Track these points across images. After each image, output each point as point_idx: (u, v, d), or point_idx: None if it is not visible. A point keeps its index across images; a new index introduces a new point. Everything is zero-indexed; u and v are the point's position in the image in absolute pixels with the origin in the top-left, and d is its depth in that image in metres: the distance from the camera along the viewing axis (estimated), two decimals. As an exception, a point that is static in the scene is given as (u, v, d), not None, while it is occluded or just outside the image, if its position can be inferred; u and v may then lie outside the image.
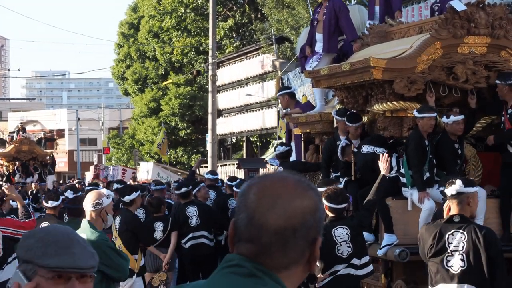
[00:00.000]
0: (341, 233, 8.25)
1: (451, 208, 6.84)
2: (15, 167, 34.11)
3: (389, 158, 8.74)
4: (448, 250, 6.83)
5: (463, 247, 6.79)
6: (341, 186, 10.06)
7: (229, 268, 2.20)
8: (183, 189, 12.51)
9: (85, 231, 7.14)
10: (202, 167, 45.87)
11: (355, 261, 8.28)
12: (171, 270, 12.75)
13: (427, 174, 9.40)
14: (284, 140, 14.94)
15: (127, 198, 11.09)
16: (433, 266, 6.94)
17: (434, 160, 9.52)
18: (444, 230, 6.83)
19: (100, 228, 7.21)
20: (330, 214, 8.34)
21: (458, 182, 6.77)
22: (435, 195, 9.36)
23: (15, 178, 32.33)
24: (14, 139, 36.46)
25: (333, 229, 8.25)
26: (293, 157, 12.63)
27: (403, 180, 9.47)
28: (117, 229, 10.93)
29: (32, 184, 26.74)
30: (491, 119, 10.16)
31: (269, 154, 33.67)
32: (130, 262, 10.67)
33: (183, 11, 48.14)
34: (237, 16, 47.08)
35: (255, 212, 2.19)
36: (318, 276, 8.40)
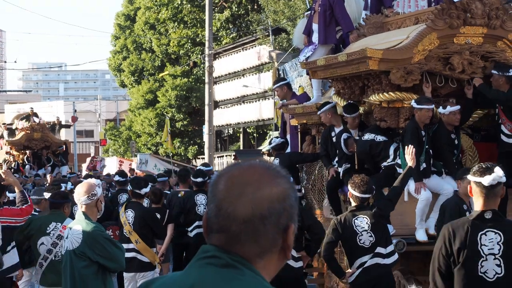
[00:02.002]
0: (361, 222, 8.27)
1: (482, 201, 5.56)
2: (25, 157, 30.50)
3: (414, 149, 8.66)
4: (482, 254, 5.58)
5: (499, 250, 5.57)
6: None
7: (206, 259, 2.19)
8: (199, 179, 12.49)
9: (80, 223, 7.13)
10: (198, 158, 45.89)
11: (380, 249, 8.29)
12: (167, 262, 12.75)
13: (424, 165, 9.41)
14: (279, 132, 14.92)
15: (143, 191, 10.83)
16: (460, 273, 5.57)
17: (431, 150, 9.53)
18: (475, 230, 5.58)
19: (95, 219, 7.19)
20: (353, 203, 8.37)
21: (498, 171, 5.57)
22: (431, 186, 9.38)
23: (25, 170, 29.48)
24: (23, 126, 32.13)
25: (354, 219, 8.28)
26: (288, 150, 12.61)
27: (400, 170, 9.48)
28: (130, 223, 10.68)
29: (48, 176, 25.00)
30: (488, 110, 10.17)
31: (266, 146, 33.67)
32: (150, 256, 10.65)
33: (179, 2, 48.04)
34: (234, 7, 46.99)
35: (223, 202, 2.18)
36: (347, 271, 8.41)
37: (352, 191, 8.33)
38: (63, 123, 41.31)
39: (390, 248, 8.42)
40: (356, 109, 10.40)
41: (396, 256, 8.48)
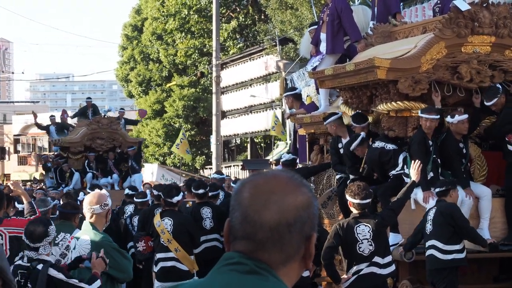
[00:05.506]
0: (363, 230, 8.26)
1: None
2: (86, 162, 22.40)
3: (421, 165, 8.70)
4: None
5: None
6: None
7: (229, 265, 2.20)
8: (201, 190, 12.27)
9: (88, 233, 7.09)
10: (206, 168, 45.91)
11: (377, 259, 8.28)
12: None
13: (431, 174, 9.41)
14: (287, 141, 14.88)
15: (175, 199, 10.73)
16: None
17: (438, 160, 9.52)
18: None
19: (101, 229, 7.17)
20: (354, 211, 8.36)
21: None
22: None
23: (86, 181, 21.88)
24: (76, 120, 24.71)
25: (356, 226, 8.27)
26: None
27: (407, 180, 9.47)
28: (169, 231, 10.59)
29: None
30: (496, 118, 10.15)
31: (274, 155, 33.65)
32: (189, 264, 10.56)
33: (186, 13, 48.16)
34: (241, 17, 47.08)
35: (249, 209, 2.19)
36: (342, 277, 8.41)
37: (352, 200, 8.31)
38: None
39: (388, 258, 8.40)
40: (365, 119, 10.39)
41: (393, 268, 8.46)
